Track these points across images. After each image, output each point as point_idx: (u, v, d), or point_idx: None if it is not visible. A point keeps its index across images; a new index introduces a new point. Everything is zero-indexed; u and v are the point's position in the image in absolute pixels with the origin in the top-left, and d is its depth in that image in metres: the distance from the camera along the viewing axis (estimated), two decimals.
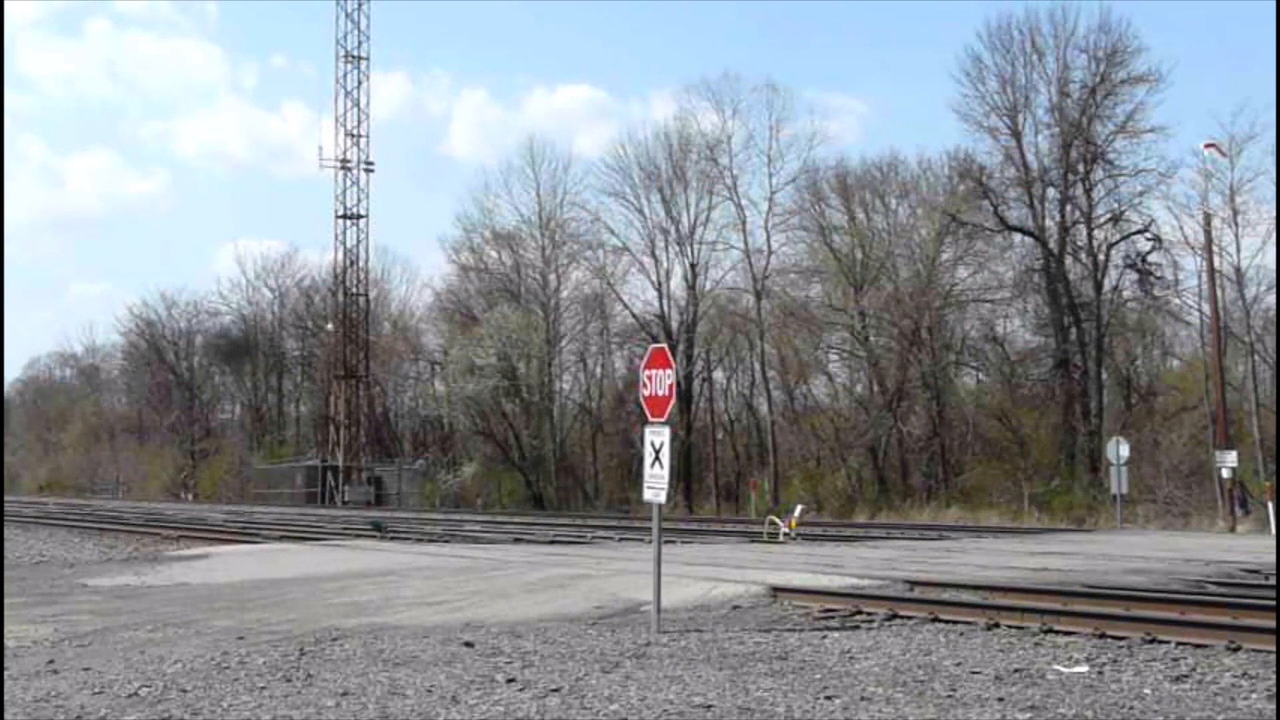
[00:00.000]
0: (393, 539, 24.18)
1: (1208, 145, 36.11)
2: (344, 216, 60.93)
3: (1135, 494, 33.92)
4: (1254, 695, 6.80)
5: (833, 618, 10.46)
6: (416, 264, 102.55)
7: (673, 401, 9.89)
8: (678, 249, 52.24)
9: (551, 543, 22.51)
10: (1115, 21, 42.13)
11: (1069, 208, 42.83)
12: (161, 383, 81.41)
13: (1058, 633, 9.13)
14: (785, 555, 17.85)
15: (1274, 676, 7.23)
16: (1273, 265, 37.43)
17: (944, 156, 47.03)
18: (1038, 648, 8.60)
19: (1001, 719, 6.24)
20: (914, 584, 12.70)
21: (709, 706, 6.54)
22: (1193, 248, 38.39)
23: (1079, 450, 40.70)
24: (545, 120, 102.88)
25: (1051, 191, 43.14)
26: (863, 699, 6.72)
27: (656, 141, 52.63)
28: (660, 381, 9.86)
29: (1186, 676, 7.36)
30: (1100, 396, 42.14)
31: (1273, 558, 16.25)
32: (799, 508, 25.62)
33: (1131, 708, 6.47)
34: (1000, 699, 6.69)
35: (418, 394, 68.37)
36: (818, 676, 7.46)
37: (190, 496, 70.00)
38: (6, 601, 12.18)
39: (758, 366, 50.15)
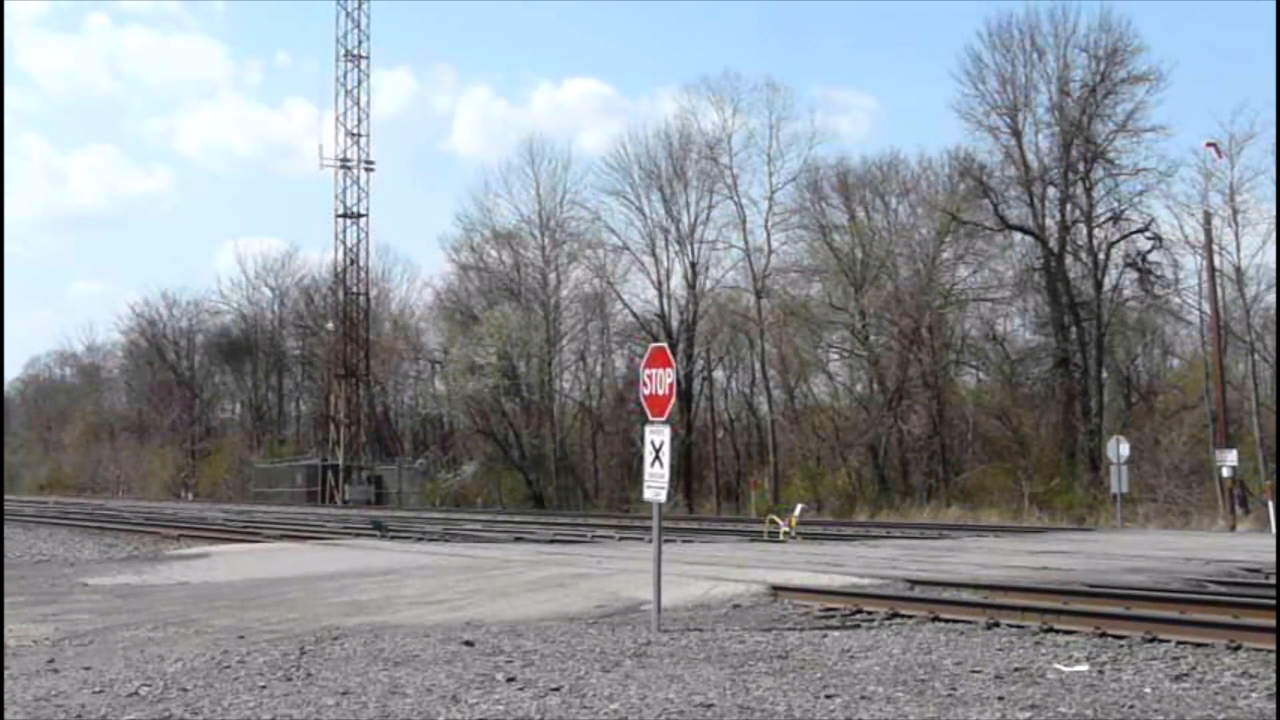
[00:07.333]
0: (393, 538, 24.17)
1: (1208, 144, 36.17)
2: (344, 215, 61.00)
3: (1135, 493, 33.92)
4: (1254, 694, 6.80)
5: (833, 617, 10.47)
6: (418, 263, 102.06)
7: (673, 400, 9.88)
8: (678, 248, 52.24)
9: (552, 541, 22.51)
10: (1115, 21, 42.18)
11: (1069, 207, 42.84)
12: (162, 382, 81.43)
13: (1058, 632, 9.13)
14: (785, 554, 17.86)
15: (1274, 675, 7.23)
16: (1273, 264, 37.49)
17: (944, 155, 47.08)
18: (1038, 647, 8.60)
19: (1002, 718, 6.23)
20: (914, 583, 12.72)
21: (709, 705, 6.54)
22: (1193, 247, 38.51)
23: (1079, 449, 40.70)
24: (550, 116, 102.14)
25: (1052, 190, 43.16)
26: (863, 698, 6.72)
27: (657, 140, 52.57)
28: (660, 380, 9.85)
29: (1187, 675, 7.36)
30: (1100, 395, 42.13)
31: (1273, 556, 16.25)
32: (799, 507, 25.63)
33: (1132, 707, 6.47)
34: (1000, 698, 6.68)
35: (418, 393, 68.38)
36: (818, 675, 7.46)
37: (190, 496, 69.97)
38: (7, 600, 12.18)
39: (758, 365, 50.13)
